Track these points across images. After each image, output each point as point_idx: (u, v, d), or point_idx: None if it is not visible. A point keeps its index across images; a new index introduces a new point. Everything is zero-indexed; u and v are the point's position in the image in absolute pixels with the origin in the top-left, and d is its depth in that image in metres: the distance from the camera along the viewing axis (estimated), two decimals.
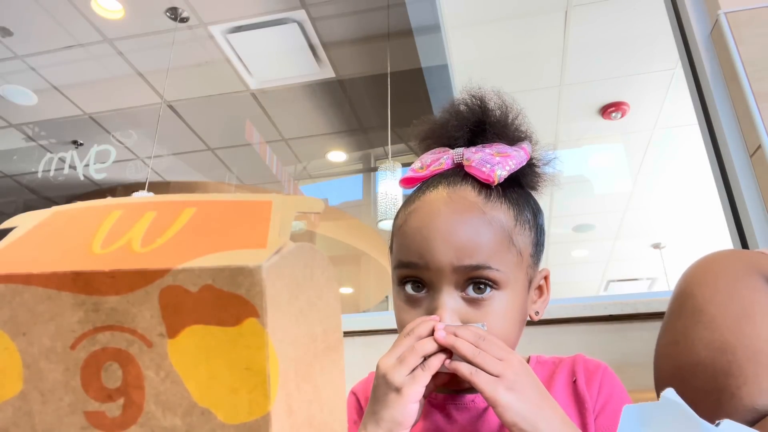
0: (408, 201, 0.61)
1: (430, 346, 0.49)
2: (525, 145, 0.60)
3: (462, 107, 0.63)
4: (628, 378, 0.68)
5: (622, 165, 3.26)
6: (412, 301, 0.56)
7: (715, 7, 1.26)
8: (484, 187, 0.57)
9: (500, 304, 0.54)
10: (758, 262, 0.61)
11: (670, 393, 0.28)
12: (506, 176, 0.56)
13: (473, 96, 0.63)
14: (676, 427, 0.28)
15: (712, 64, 1.27)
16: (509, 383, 0.46)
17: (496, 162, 0.56)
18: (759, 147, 1.11)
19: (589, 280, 4.56)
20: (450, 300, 0.53)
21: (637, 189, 3.37)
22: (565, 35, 2.38)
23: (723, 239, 1.23)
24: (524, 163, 0.59)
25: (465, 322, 0.53)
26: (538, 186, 0.63)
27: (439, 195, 0.57)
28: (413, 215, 0.58)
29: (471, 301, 0.54)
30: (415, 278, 0.56)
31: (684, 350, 0.59)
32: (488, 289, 0.54)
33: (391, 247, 0.62)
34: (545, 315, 1.09)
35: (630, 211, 3.58)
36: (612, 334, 1.08)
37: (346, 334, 1.12)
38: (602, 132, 2.98)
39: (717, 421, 0.29)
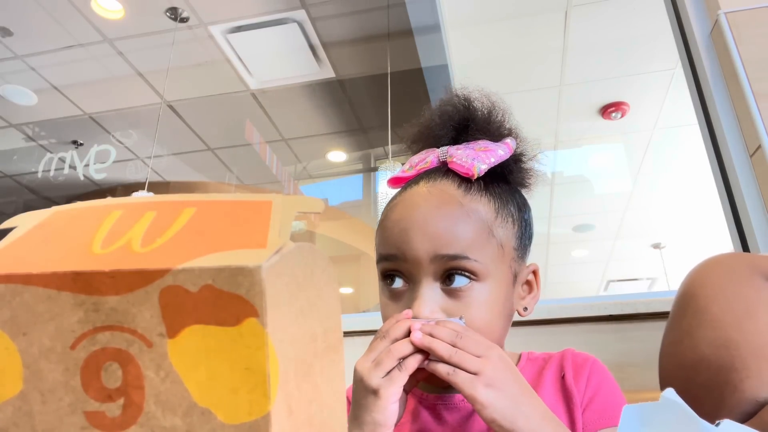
0: (391, 198, 0.62)
1: (405, 348, 0.48)
2: (508, 140, 0.61)
3: (447, 107, 0.64)
4: (627, 378, 0.68)
5: (622, 165, 3.26)
6: (394, 296, 0.57)
7: (715, 7, 1.26)
8: (465, 181, 0.58)
9: (480, 296, 0.54)
10: (760, 264, 0.62)
11: (670, 393, 0.28)
12: (486, 170, 0.57)
13: (458, 95, 0.64)
14: (676, 427, 0.28)
15: (712, 64, 1.26)
16: (488, 380, 0.46)
17: (476, 156, 0.57)
18: (759, 147, 1.11)
19: (589, 280, 4.56)
20: (429, 291, 0.53)
21: (637, 189, 3.37)
22: (565, 35, 2.38)
23: (723, 239, 1.23)
24: (506, 158, 0.59)
25: (445, 314, 0.53)
26: (527, 182, 0.64)
27: (419, 190, 0.58)
28: (393, 210, 0.59)
29: (450, 293, 0.54)
30: (396, 271, 0.56)
31: (688, 348, 0.59)
32: (467, 280, 0.54)
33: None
34: (545, 315, 1.10)
35: (630, 211, 3.57)
36: (612, 334, 1.08)
37: (346, 334, 1.12)
38: (602, 132, 2.98)
39: (717, 422, 0.29)
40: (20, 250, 0.22)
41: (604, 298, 1.11)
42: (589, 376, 0.56)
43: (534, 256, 0.64)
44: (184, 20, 2.59)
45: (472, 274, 0.54)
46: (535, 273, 0.62)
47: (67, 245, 0.22)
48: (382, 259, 0.58)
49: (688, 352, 0.59)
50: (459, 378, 0.46)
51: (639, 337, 1.06)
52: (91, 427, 0.19)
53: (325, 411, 0.23)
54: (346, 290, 3.40)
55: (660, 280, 4.06)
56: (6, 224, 0.24)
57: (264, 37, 2.64)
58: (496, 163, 0.58)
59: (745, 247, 1.16)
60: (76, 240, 0.22)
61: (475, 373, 0.46)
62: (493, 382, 0.46)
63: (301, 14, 2.52)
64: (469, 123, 0.62)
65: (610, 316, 1.08)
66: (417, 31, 2.60)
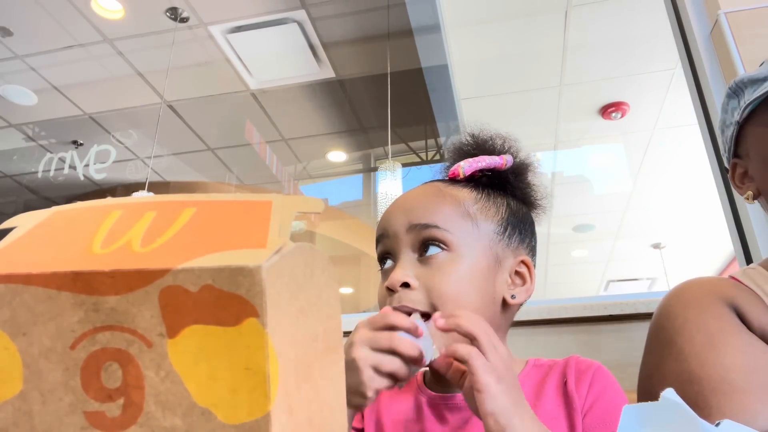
0: None
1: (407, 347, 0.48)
2: (505, 155, 0.65)
3: (456, 143, 0.70)
4: (627, 378, 0.68)
5: (622, 165, 3.26)
6: (384, 274, 0.61)
7: (715, 7, 1.26)
8: (454, 180, 0.64)
9: (450, 265, 0.57)
10: (723, 290, 0.63)
11: (670, 393, 0.28)
12: (470, 169, 0.62)
13: (472, 135, 0.69)
14: (676, 427, 0.28)
15: (712, 64, 1.27)
16: (500, 374, 0.46)
17: (466, 162, 0.63)
18: None
19: (589, 280, 4.56)
20: (405, 260, 0.58)
21: (637, 189, 3.37)
22: (565, 35, 2.39)
23: (723, 239, 1.23)
24: (498, 165, 0.63)
25: (419, 280, 0.56)
26: (529, 197, 0.67)
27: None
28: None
29: (424, 261, 0.58)
30: (385, 253, 0.62)
31: (657, 383, 0.60)
32: (439, 249, 0.58)
33: None
34: (545, 315, 1.10)
35: (630, 211, 3.58)
36: (612, 334, 1.08)
37: (346, 334, 1.12)
38: (602, 132, 2.98)
39: (717, 422, 0.29)
40: (20, 250, 0.22)
41: (604, 298, 1.11)
42: (592, 382, 0.56)
43: None
44: (184, 20, 2.59)
45: (443, 244, 0.58)
46: (527, 265, 0.63)
47: (67, 245, 0.22)
48: (377, 242, 0.63)
49: (657, 386, 0.59)
50: (479, 362, 0.45)
51: (639, 337, 1.05)
52: (91, 427, 0.19)
53: (325, 411, 0.23)
54: (346, 290, 3.41)
55: (660, 280, 4.06)
56: (6, 224, 0.24)
57: (264, 37, 2.64)
58: (484, 167, 0.63)
59: (745, 247, 1.16)
60: (76, 240, 0.22)
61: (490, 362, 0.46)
62: (503, 377, 0.46)
63: (301, 14, 2.52)
64: (474, 150, 0.67)
65: (610, 316, 1.08)
66: (417, 31, 2.60)
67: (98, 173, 2.84)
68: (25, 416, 0.20)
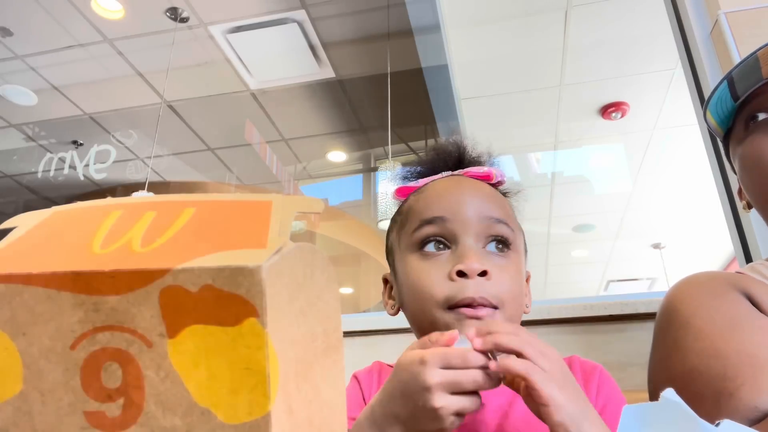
0: (416, 191, 0.64)
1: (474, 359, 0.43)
2: (494, 168, 0.66)
3: (441, 146, 0.69)
4: (628, 378, 0.68)
5: (622, 165, 3.26)
6: (432, 260, 0.56)
7: (715, 7, 1.26)
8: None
9: (513, 266, 0.57)
10: (735, 280, 0.63)
11: (670, 393, 0.28)
12: (500, 176, 0.63)
13: (449, 140, 0.69)
14: (676, 427, 0.28)
15: (712, 64, 1.26)
16: (560, 382, 0.42)
17: (494, 168, 0.64)
18: None
19: (589, 280, 4.56)
20: (476, 248, 0.55)
21: (637, 189, 3.37)
22: (565, 35, 2.39)
23: (723, 239, 1.23)
24: (503, 181, 0.65)
25: (488, 272, 0.53)
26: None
27: (452, 177, 0.63)
28: (429, 190, 0.62)
29: (491, 255, 0.56)
30: (437, 236, 0.57)
31: (677, 361, 0.59)
32: (505, 248, 0.57)
33: (391, 232, 0.65)
34: (545, 315, 1.10)
35: (630, 211, 3.57)
36: (612, 334, 1.08)
37: (346, 334, 1.12)
38: (602, 132, 2.98)
39: (717, 422, 0.29)
40: (20, 250, 0.22)
41: (604, 298, 1.11)
42: (599, 385, 0.57)
43: (534, 256, 0.65)
44: (184, 20, 2.59)
45: (507, 244, 0.57)
46: (528, 277, 0.65)
47: (67, 245, 0.22)
48: (426, 223, 0.57)
49: (677, 364, 0.59)
50: (537, 376, 0.42)
51: (639, 337, 1.06)
52: (91, 427, 0.19)
53: (325, 411, 0.23)
54: (346, 290, 3.41)
55: (660, 280, 4.06)
56: (6, 224, 0.24)
57: (264, 37, 2.64)
58: (504, 177, 0.64)
59: (745, 248, 1.16)
60: (76, 240, 0.22)
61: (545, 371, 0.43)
62: (564, 384, 0.43)
63: (301, 14, 2.52)
64: (463, 156, 0.66)
65: (610, 316, 1.08)
66: (417, 31, 2.60)
67: (98, 173, 2.84)
68: (25, 416, 0.20)
